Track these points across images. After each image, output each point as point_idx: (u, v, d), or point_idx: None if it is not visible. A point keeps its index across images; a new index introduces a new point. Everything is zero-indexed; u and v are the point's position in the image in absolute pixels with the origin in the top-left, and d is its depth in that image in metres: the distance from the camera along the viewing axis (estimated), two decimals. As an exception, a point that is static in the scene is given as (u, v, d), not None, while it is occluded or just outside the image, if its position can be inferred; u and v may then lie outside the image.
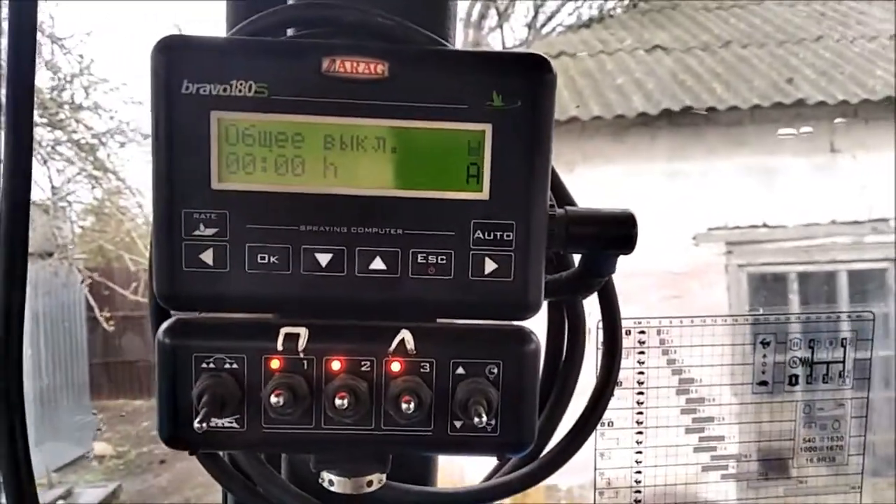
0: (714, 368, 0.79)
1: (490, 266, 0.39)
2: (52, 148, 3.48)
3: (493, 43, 5.38)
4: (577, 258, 0.48)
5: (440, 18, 0.48)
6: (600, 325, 0.52)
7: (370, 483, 0.44)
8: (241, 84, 0.37)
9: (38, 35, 0.50)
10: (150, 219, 0.40)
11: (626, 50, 3.77)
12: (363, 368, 0.40)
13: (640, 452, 0.77)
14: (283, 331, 0.40)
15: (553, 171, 0.42)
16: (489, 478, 0.52)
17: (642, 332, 0.76)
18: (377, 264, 0.39)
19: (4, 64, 0.48)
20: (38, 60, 0.50)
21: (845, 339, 0.83)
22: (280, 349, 0.39)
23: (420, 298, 0.40)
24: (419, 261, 0.39)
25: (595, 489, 0.78)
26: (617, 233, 0.43)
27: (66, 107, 3.53)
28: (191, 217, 0.38)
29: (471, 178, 0.39)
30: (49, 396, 4.42)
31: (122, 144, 3.64)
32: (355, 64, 0.38)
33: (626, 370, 0.76)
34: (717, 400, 0.80)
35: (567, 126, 3.04)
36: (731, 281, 3.15)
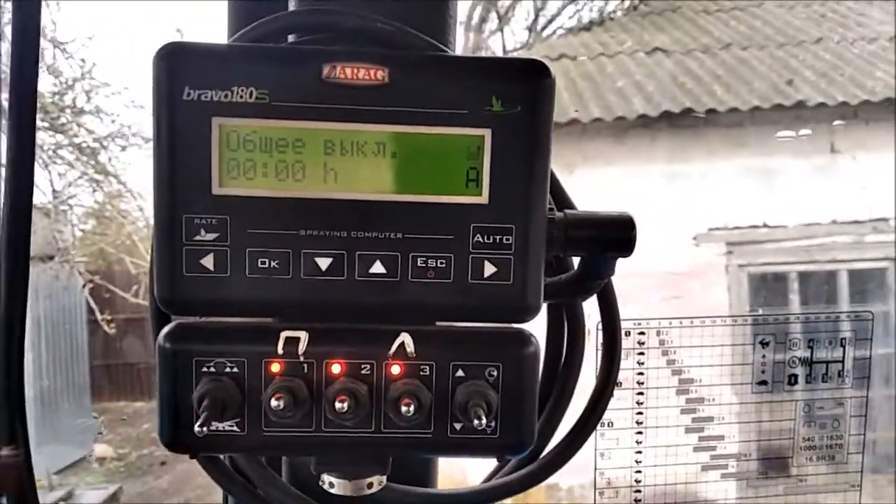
0: (714, 368, 0.79)
1: (489, 269, 0.40)
2: (54, 152, 3.48)
3: (494, 46, 5.38)
4: (576, 261, 0.48)
5: (440, 24, 0.49)
6: (600, 326, 0.52)
7: (370, 485, 0.44)
8: (242, 90, 0.38)
9: (41, 39, 0.50)
10: (151, 222, 0.40)
11: (626, 52, 3.77)
12: (363, 371, 0.40)
13: (639, 452, 0.78)
14: (284, 335, 0.40)
15: (552, 175, 0.42)
16: (489, 479, 0.52)
17: (642, 333, 0.76)
18: (377, 268, 0.39)
19: (5, 68, 0.48)
20: (40, 65, 0.50)
21: (844, 338, 0.84)
22: (280, 353, 0.40)
23: (420, 302, 0.40)
24: (419, 264, 0.39)
25: (595, 489, 0.78)
26: (615, 236, 0.43)
27: (68, 111, 3.54)
28: (192, 222, 0.39)
29: (470, 182, 0.39)
30: (50, 399, 4.42)
31: (124, 148, 3.64)
32: (356, 70, 0.38)
33: (626, 371, 0.76)
34: (716, 400, 0.81)
35: (567, 128, 3.04)
36: (732, 281, 3.15)
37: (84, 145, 3.67)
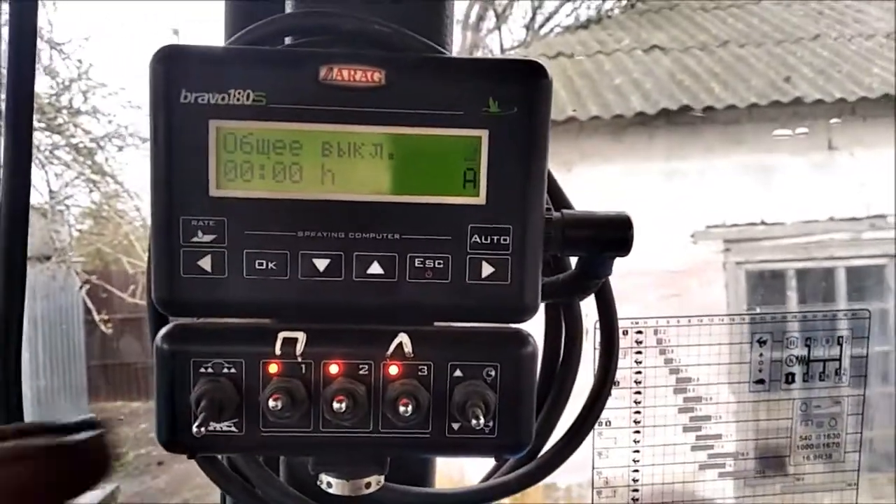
0: (711, 367, 0.79)
1: (487, 270, 0.40)
2: (51, 152, 3.48)
3: (492, 44, 5.38)
4: (573, 260, 0.48)
5: (437, 25, 0.49)
6: (597, 326, 0.52)
7: (368, 485, 0.44)
8: (239, 93, 0.38)
9: (37, 40, 0.50)
10: (149, 222, 0.40)
11: (623, 50, 3.78)
12: (361, 372, 0.40)
13: (637, 451, 0.78)
14: (282, 335, 0.40)
15: (549, 175, 0.42)
16: (487, 478, 0.52)
17: (639, 332, 0.77)
18: (375, 269, 0.39)
19: (3, 70, 0.48)
20: (36, 65, 0.50)
21: (841, 336, 0.84)
22: (278, 354, 0.40)
23: (418, 302, 0.40)
24: (416, 265, 0.40)
25: (593, 488, 0.79)
26: (613, 235, 0.43)
27: (65, 111, 3.53)
28: (189, 224, 0.39)
29: (468, 183, 0.39)
30: (47, 399, 4.42)
31: (121, 148, 3.65)
32: (353, 72, 0.38)
33: (624, 370, 0.76)
34: (714, 398, 0.81)
35: (565, 126, 3.04)
36: (730, 278, 3.16)
37: (81, 145, 3.66)
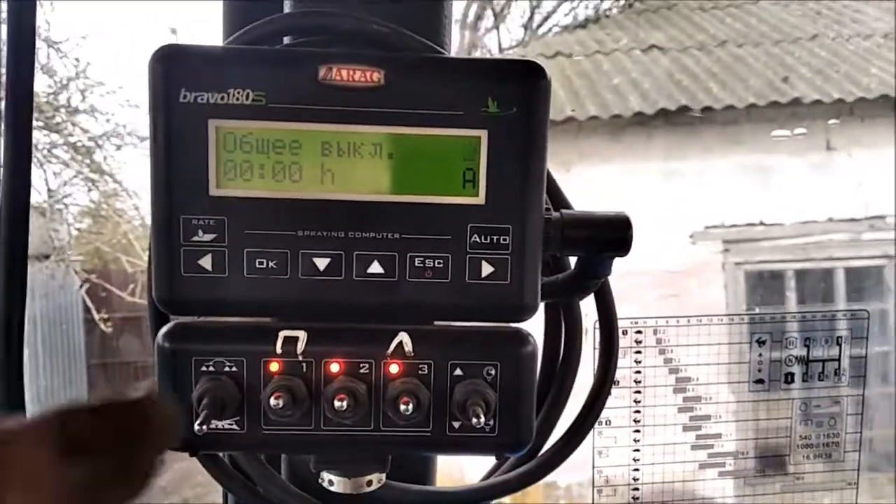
0: (710, 367, 0.79)
1: (487, 269, 0.40)
2: (49, 151, 3.48)
3: (490, 44, 5.39)
4: (573, 260, 0.48)
5: (435, 25, 0.49)
6: (597, 325, 0.53)
7: (370, 483, 0.45)
8: (238, 92, 0.38)
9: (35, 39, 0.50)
10: (147, 221, 0.41)
11: (622, 50, 3.78)
12: (362, 370, 0.40)
13: (637, 450, 0.78)
14: (282, 334, 0.40)
15: (549, 175, 0.43)
16: (488, 477, 0.53)
17: (639, 332, 0.77)
18: (375, 268, 0.40)
19: (1, 69, 0.48)
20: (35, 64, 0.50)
21: (840, 337, 0.84)
22: (279, 352, 0.40)
23: (418, 301, 0.40)
24: (416, 264, 0.40)
25: (593, 487, 0.79)
26: (612, 235, 0.43)
27: (63, 110, 3.53)
28: (189, 223, 0.39)
29: (467, 182, 0.39)
30: (47, 398, 4.42)
31: (119, 147, 3.64)
32: (351, 72, 0.38)
33: (623, 369, 0.76)
34: (713, 398, 0.81)
35: (564, 126, 3.05)
36: (729, 279, 3.16)
37: (79, 144, 3.66)
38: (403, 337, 0.40)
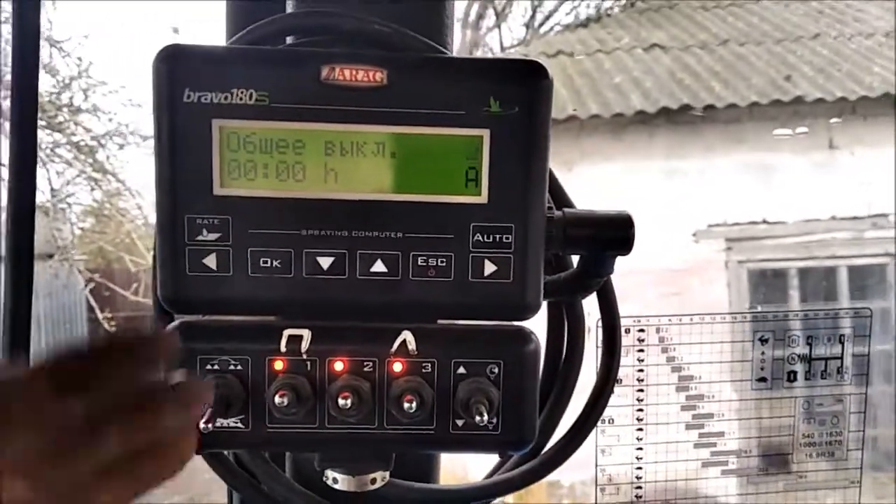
0: (713, 365, 0.79)
1: (489, 268, 0.40)
2: (52, 150, 3.48)
3: (491, 42, 5.38)
4: (575, 259, 0.48)
5: (437, 25, 0.49)
6: (599, 324, 0.53)
7: (374, 481, 0.45)
8: (241, 92, 0.38)
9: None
10: (151, 220, 0.41)
11: (623, 49, 3.77)
12: (366, 369, 0.40)
13: (640, 449, 0.78)
14: (287, 333, 0.40)
15: (551, 174, 0.43)
16: (491, 475, 0.53)
17: (641, 331, 0.77)
18: (378, 267, 0.40)
19: (4, 68, 0.48)
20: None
21: (843, 335, 0.84)
22: (283, 351, 0.40)
23: (421, 300, 0.40)
24: (419, 263, 0.40)
25: (596, 485, 0.79)
26: (614, 234, 0.43)
27: (66, 109, 3.53)
28: (194, 222, 0.39)
29: (469, 182, 0.39)
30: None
31: (122, 146, 3.65)
32: (354, 72, 0.38)
33: (626, 368, 0.76)
34: (716, 396, 0.81)
35: (565, 125, 3.04)
36: (732, 277, 3.16)
37: (82, 144, 3.67)
38: (407, 335, 0.40)
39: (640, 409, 0.77)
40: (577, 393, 0.52)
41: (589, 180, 2.78)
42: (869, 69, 3.26)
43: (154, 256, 0.42)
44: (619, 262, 0.46)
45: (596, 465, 0.78)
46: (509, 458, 0.52)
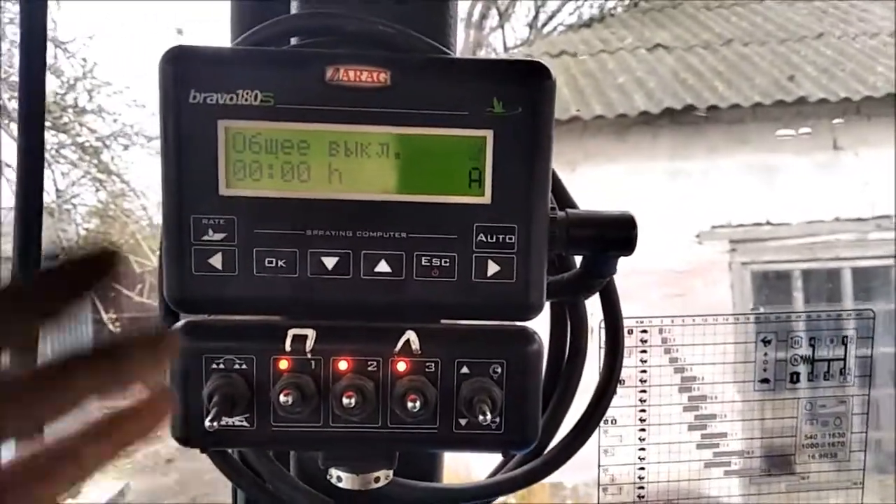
0: (716, 366, 0.80)
1: (493, 268, 0.40)
2: (57, 151, 3.50)
3: (495, 43, 5.39)
4: (578, 259, 0.48)
5: (441, 25, 0.49)
6: (602, 324, 0.53)
7: (377, 479, 0.45)
8: (247, 93, 0.38)
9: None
10: (155, 221, 0.41)
11: (627, 49, 3.77)
12: (370, 368, 0.41)
13: (643, 449, 0.78)
14: (291, 332, 0.40)
15: (554, 175, 0.43)
16: (494, 474, 0.53)
17: (644, 332, 0.77)
18: (382, 267, 0.40)
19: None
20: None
21: (846, 336, 0.84)
22: (288, 350, 0.40)
23: (424, 300, 0.40)
24: (423, 263, 0.40)
25: (599, 486, 0.79)
26: (617, 235, 0.43)
27: (70, 110, 3.55)
28: (199, 222, 0.39)
29: (473, 182, 0.40)
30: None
31: (126, 147, 3.66)
32: (358, 72, 0.39)
33: (629, 368, 0.76)
34: (719, 397, 0.81)
35: (569, 125, 3.04)
36: (735, 279, 3.15)
37: (87, 144, 3.68)
38: (410, 335, 0.41)
39: (643, 410, 0.77)
40: (579, 393, 0.52)
41: (592, 181, 2.78)
42: (873, 69, 3.25)
43: (160, 256, 0.43)
44: (623, 262, 0.46)
45: (598, 466, 0.78)
46: (512, 457, 0.52)
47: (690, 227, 3.13)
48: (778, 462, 0.86)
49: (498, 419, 0.41)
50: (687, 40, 3.84)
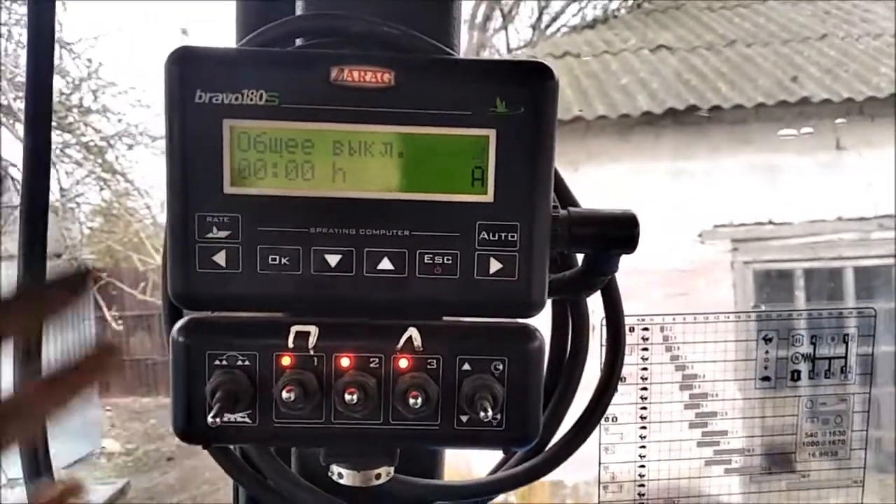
0: (717, 364, 0.80)
1: (495, 266, 0.41)
2: (62, 150, 3.51)
3: (498, 44, 5.39)
4: (580, 257, 0.49)
5: (445, 26, 0.50)
6: (604, 322, 0.53)
7: (379, 476, 0.45)
8: (252, 93, 0.39)
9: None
10: (159, 220, 0.42)
11: (630, 50, 3.77)
12: (372, 365, 0.41)
13: (643, 447, 0.78)
14: (294, 329, 0.41)
15: (556, 173, 0.43)
16: (495, 471, 0.53)
17: (645, 329, 0.77)
18: (385, 264, 0.40)
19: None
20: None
21: (847, 334, 0.84)
22: (291, 347, 0.41)
23: (427, 297, 0.41)
24: (426, 261, 0.40)
25: (599, 483, 0.79)
26: (619, 233, 0.44)
27: (75, 110, 3.56)
28: (204, 220, 0.40)
29: (476, 181, 0.40)
30: (58, 396, 4.44)
31: (130, 147, 3.67)
32: (363, 73, 0.39)
33: (630, 366, 0.76)
34: (720, 395, 0.81)
35: (572, 125, 3.05)
36: (737, 278, 3.15)
37: (91, 144, 3.69)
38: (413, 332, 0.41)
39: (644, 408, 0.78)
40: (580, 391, 0.53)
41: (595, 181, 2.78)
42: (876, 70, 3.25)
43: (164, 254, 0.43)
44: (626, 262, 0.46)
45: (599, 463, 0.78)
46: (513, 454, 0.52)
47: (693, 227, 3.13)
48: (778, 460, 0.86)
49: (499, 416, 0.41)
50: (690, 41, 3.84)
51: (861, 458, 0.86)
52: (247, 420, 0.41)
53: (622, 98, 3.22)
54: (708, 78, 3.35)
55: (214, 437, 0.42)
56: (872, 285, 3.04)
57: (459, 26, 0.51)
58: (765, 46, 3.67)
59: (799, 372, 0.84)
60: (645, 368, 0.77)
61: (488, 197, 0.40)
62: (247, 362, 0.41)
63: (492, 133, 0.40)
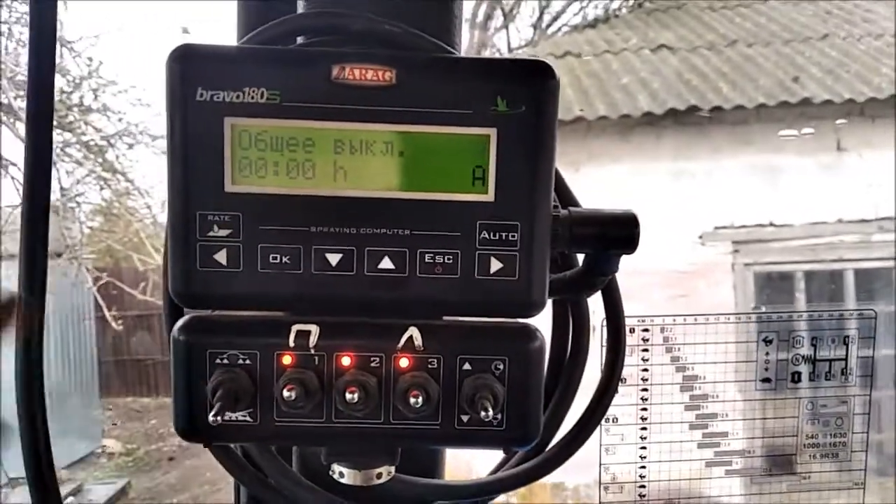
0: (717, 366, 0.80)
1: (496, 265, 0.41)
2: (62, 150, 3.51)
3: (499, 43, 5.39)
4: (581, 257, 0.49)
5: (446, 25, 0.50)
6: (604, 322, 0.53)
7: (379, 475, 0.45)
8: (253, 91, 0.39)
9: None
10: (159, 219, 0.41)
11: (631, 50, 3.77)
12: (372, 364, 0.41)
13: (644, 448, 0.78)
14: (295, 328, 0.41)
15: (557, 173, 0.43)
16: (495, 471, 0.53)
17: (646, 330, 0.77)
18: (386, 264, 0.40)
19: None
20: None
21: (847, 337, 0.84)
22: (292, 346, 0.41)
23: (427, 297, 0.41)
24: (426, 260, 0.40)
25: (600, 484, 0.79)
26: (619, 233, 0.44)
27: (76, 109, 3.56)
28: (205, 219, 0.40)
29: (476, 180, 0.40)
30: (59, 395, 4.45)
31: (131, 146, 3.67)
32: (364, 71, 0.39)
33: (630, 367, 0.76)
34: (720, 397, 0.81)
35: (573, 126, 3.05)
36: (738, 280, 3.15)
37: (91, 143, 3.69)
38: (413, 331, 0.41)
39: (644, 409, 0.78)
40: (581, 391, 0.53)
41: (596, 181, 2.78)
42: (877, 70, 3.25)
43: (165, 252, 0.43)
44: (626, 263, 0.46)
45: (600, 464, 0.78)
46: (514, 454, 0.52)
47: (693, 228, 3.13)
48: (779, 462, 0.86)
49: (500, 416, 0.41)
50: (691, 41, 3.84)
51: (862, 460, 0.86)
52: (248, 419, 0.41)
53: (623, 98, 3.22)
54: (709, 78, 3.35)
55: (215, 435, 0.42)
56: (873, 287, 3.04)
57: (460, 25, 0.51)
58: (766, 46, 3.67)
59: (799, 374, 0.84)
60: (645, 370, 0.77)
61: (489, 196, 0.40)
62: (248, 361, 0.41)
63: (492, 132, 0.39)
